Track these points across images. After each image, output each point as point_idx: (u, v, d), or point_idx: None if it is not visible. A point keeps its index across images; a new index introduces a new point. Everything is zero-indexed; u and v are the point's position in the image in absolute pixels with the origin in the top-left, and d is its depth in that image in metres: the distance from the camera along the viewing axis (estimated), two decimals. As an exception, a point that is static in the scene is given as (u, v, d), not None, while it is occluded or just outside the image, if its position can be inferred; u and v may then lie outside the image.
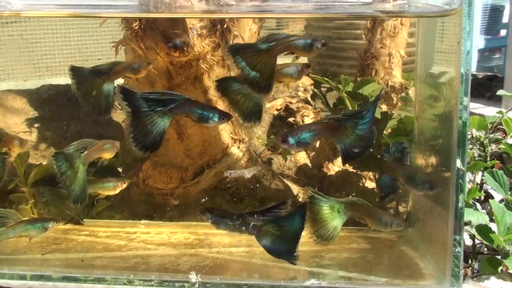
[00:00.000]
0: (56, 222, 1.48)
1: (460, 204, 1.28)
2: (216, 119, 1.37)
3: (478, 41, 5.63)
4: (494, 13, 5.58)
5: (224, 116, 1.38)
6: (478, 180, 2.02)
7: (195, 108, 1.38)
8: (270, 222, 1.36)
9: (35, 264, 1.44)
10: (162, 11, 1.56)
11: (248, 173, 1.59)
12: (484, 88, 3.71)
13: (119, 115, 2.02)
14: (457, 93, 1.29)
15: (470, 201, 1.80)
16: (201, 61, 1.70)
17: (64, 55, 2.09)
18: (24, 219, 1.50)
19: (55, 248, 1.53)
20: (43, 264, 1.44)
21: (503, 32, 5.39)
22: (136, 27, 1.68)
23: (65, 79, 2.08)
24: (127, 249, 1.53)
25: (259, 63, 1.39)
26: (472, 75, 3.89)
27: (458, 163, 1.30)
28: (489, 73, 4.09)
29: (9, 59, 1.96)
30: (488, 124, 2.07)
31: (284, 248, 1.35)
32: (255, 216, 1.38)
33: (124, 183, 1.62)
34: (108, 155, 1.57)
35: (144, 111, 1.35)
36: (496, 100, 3.62)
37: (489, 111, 2.53)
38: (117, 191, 1.62)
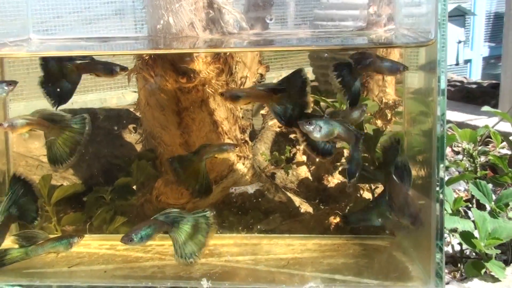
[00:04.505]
0: (81, 237, 1.63)
1: (438, 212, 1.42)
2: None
3: (482, 49, 5.72)
4: (498, 20, 5.64)
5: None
6: (471, 189, 2.15)
7: (380, 62, 1.58)
8: None
9: (63, 276, 1.57)
10: (169, 41, 1.72)
11: (251, 189, 1.72)
12: (489, 96, 3.79)
13: (131, 136, 2.17)
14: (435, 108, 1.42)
15: (462, 209, 1.93)
16: (206, 86, 1.82)
17: None
18: (51, 237, 1.63)
19: (79, 261, 1.67)
20: (70, 276, 1.58)
21: (507, 40, 5.47)
22: (147, 57, 1.84)
23: (73, 98, 2.20)
24: (144, 260, 1.66)
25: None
26: (477, 83, 3.99)
27: (436, 174, 1.43)
28: (493, 81, 4.17)
29: (18, 78, 2.06)
30: (478, 137, 2.20)
31: None
32: None
33: (236, 147, 1.76)
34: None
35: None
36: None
37: (492, 121, 2.61)
38: (230, 154, 1.77)
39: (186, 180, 1.71)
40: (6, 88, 1.58)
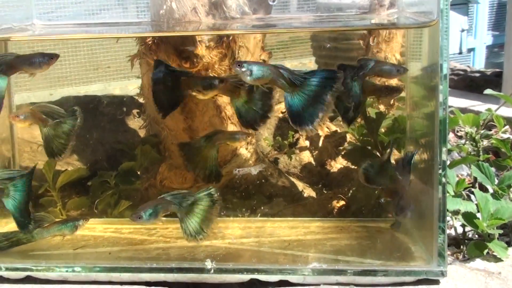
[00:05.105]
0: (86, 220, 1.64)
1: (440, 195, 1.43)
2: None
3: (486, 37, 5.71)
4: (502, 9, 5.63)
5: None
6: (474, 173, 2.15)
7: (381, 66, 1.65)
8: None
9: (68, 258, 1.59)
10: (172, 26, 1.73)
11: (254, 170, 1.73)
12: (493, 84, 3.80)
13: (135, 122, 2.18)
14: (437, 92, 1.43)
15: (464, 193, 1.93)
16: (209, 70, 1.83)
17: (74, 64, 2.16)
18: (57, 220, 1.66)
19: (84, 244, 1.68)
20: (75, 257, 1.60)
21: (510, 28, 5.46)
22: (150, 42, 1.84)
23: (76, 89, 2.21)
24: (148, 243, 1.68)
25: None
26: (480, 71, 3.98)
27: (438, 157, 1.44)
28: (497, 70, 4.17)
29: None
30: (481, 121, 2.20)
31: None
32: None
33: (248, 136, 1.79)
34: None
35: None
36: (504, 96, 3.70)
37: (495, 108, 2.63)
38: (243, 144, 1.82)
39: (196, 166, 1.72)
40: (47, 61, 1.58)
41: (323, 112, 1.48)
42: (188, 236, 1.56)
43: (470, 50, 5.73)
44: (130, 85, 2.17)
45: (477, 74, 4.03)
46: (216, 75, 1.75)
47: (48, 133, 1.69)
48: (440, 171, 1.43)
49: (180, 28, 1.72)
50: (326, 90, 1.47)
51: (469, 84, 3.89)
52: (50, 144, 1.70)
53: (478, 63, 5.74)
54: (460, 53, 5.60)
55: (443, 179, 1.44)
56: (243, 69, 1.46)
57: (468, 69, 4.24)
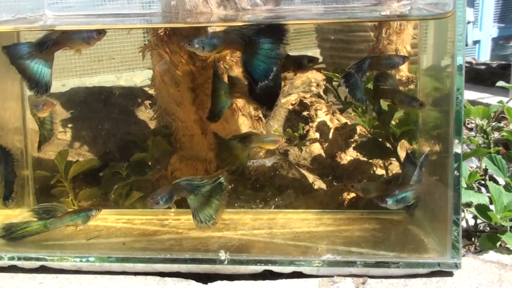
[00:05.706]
0: (98, 210, 1.65)
1: (455, 188, 1.43)
2: None
3: (491, 29, 5.69)
4: (508, 1, 5.61)
5: None
6: (484, 165, 2.15)
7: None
8: None
9: (82, 248, 1.59)
10: (184, 17, 1.72)
11: (268, 162, 1.74)
12: (498, 77, 3.79)
13: (145, 113, 2.18)
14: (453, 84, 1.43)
15: (475, 185, 1.93)
16: (221, 62, 1.84)
17: (79, 56, 2.18)
18: (69, 210, 1.66)
19: (97, 234, 1.69)
20: (89, 248, 1.60)
21: (516, 20, 5.46)
22: (162, 33, 1.84)
23: (79, 80, 2.21)
24: (161, 234, 1.68)
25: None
26: (486, 64, 3.95)
27: (454, 149, 1.43)
28: (502, 62, 4.16)
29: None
30: (491, 113, 2.19)
31: None
32: None
33: (283, 139, 1.82)
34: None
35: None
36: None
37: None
38: (278, 146, 1.81)
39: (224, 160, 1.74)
40: (96, 36, 1.57)
41: (277, 65, 1.51)
42: (198, 222, 1.57)
43: (476, 42, 5.70)
44: (135, 77, 2.17)
45: (483, 67, 4.02)
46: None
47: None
48: (454, 164, 1.42)
49: (192, 20, 1.72)
50: (277, 45, 1.50)
51: (474, 76, 3.89)
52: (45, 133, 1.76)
53: (484, 55, 5.72)
54: (466, 45, 5.57)
55: (456, 173, 1.44)
56: (196, 46, 1.49)
57: (474, 62, 4.24)
